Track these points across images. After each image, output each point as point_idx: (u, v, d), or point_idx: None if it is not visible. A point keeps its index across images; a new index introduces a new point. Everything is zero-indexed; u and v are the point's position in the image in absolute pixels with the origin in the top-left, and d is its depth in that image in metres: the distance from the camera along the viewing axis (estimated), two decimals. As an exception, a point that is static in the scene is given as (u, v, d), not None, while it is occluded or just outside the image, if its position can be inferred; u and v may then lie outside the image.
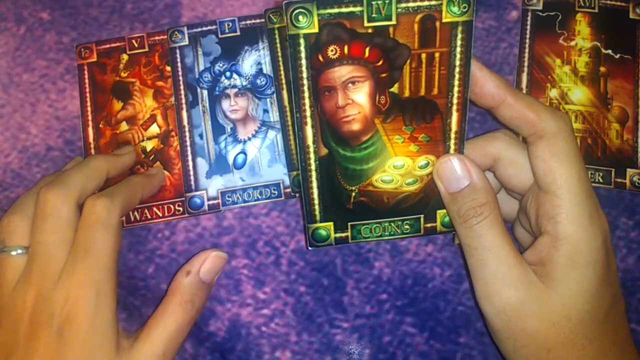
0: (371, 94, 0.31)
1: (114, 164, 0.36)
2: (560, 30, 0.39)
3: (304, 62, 0.29)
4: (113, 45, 0.40)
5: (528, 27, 0.39)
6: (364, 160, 0.32)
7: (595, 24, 0.39)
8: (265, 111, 0.39)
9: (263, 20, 0.39)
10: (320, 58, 0.29)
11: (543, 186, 0.30)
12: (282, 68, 0.39)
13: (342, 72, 0.30)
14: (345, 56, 0.30)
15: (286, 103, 0.38)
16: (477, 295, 0.31)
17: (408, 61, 0.30)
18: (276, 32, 0.39)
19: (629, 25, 0.39)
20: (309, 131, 0.31)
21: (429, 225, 0.33)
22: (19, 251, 0.33)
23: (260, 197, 0.38)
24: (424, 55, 0.30)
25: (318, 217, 0.33)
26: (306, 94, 0.30)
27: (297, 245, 0.38)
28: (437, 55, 0.30)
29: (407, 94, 0.31)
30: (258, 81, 0.39)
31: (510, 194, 0.34)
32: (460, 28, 0.29)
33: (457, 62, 0.30)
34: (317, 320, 0.38)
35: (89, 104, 0.40)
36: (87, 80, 0.40)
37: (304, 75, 0.29)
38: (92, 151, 0.39)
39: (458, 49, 0.30)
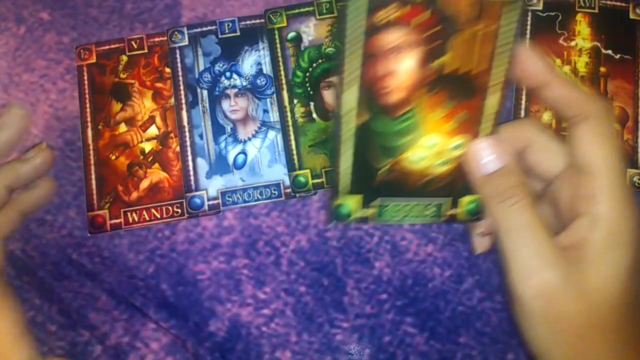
0: (417, 64, 0.30)
1: (14, 177, 0.35)
2: (560, 30, 0.39)
3: (361, 22, 0.27)
4: (112, 46, 0.40)
5: (528, 27, 0.39)
6: (399, 135, 0.31)
7: (596, 24, 0.39)
8: (265, 111, 0.39)
9: (263, 20, 0.39)
10: (374, 21, 0.28)
11: (583, 167, 0.30)
12: (282, 68, 0.39)
13: (390, 39, 0.28)
14: (398, 21, 0.28)
15: (286, 103, 0.38)
16: (512, 278, 0.30)
17: (457, 35, 0.29)
18: (276, 32, 0.39)
19: (629, 26, 0.39)
20: (348, 98, 0.29)
21: (451, 212, 0.33)
22: None
23: (260, 197, 0.38)
24: (474, 30, 0.29)
25: (345, 191, 0.32)
26: (354, 57, 0.28)
27: (297, 245, 0.38)
28: (486, 31, 0.29)
29: (453, 67, 0.30)
30: (258, 81, 0.39)
31: (532, 182, 0.34)
32: (510, 5, 0.29)
33: (505, 40, 0.29)
34: (317, 320, 0.38)
35: (88, 105, 0.40)
36: (86, 82, 0.40)
37: (357, 37, 0.28)
38: (91, 153, 0.39)
39: (507, 27, 0.29)
